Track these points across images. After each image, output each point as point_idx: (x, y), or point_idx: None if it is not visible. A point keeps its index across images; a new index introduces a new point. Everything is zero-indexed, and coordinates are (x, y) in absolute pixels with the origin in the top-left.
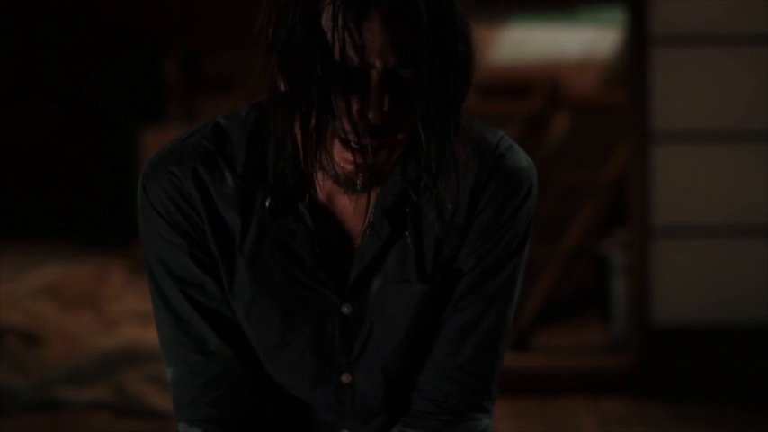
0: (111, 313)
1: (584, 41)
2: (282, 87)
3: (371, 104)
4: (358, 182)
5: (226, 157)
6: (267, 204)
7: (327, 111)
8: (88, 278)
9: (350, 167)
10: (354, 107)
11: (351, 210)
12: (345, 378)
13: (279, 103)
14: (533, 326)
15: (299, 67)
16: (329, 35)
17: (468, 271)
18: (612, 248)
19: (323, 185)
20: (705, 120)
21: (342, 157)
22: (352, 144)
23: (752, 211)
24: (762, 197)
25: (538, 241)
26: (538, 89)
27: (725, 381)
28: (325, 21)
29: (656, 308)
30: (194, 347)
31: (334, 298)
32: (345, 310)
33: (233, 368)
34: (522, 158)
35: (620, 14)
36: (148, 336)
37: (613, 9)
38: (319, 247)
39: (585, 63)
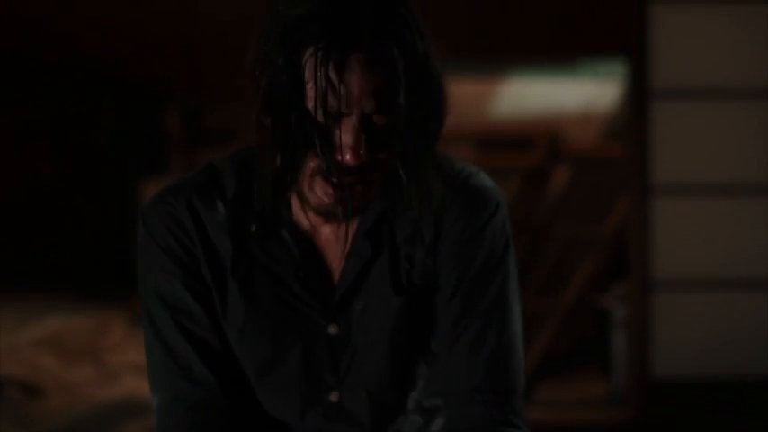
0: (112, 365)
1: (584, 95)
2: (266, 123)
3: (348, 148)
4: (339, 213)
5: (217, 188)
6: (253, 230)
7: (307, 150)
8: (89, 330)
9: (329, 200)
10: (332, 149)
11: (333, 233)
12: (334, 397)
13: (262, 137)
14: (533, 379)
15: (281, 111)
16: (310, 84)
17: (450, 292)
18: (613, 301)
19: (306, 211)
20: (705, 173)
21: (322, 191)
22: (332, 181)
23: (752, 265)
24: (762, 251)
25: (538, 294)
26: (538, 142)
27: None
28: (308, 70)
29: (656, 361)
30: (181, 374)
31: (320, 319)
32: (332, 330)
33: (215, 395)
34: (486, 181)
35: (619, 68)
36: (148, 388)
37: (613, 62)
38: (303, 271)
39: (585, 116)
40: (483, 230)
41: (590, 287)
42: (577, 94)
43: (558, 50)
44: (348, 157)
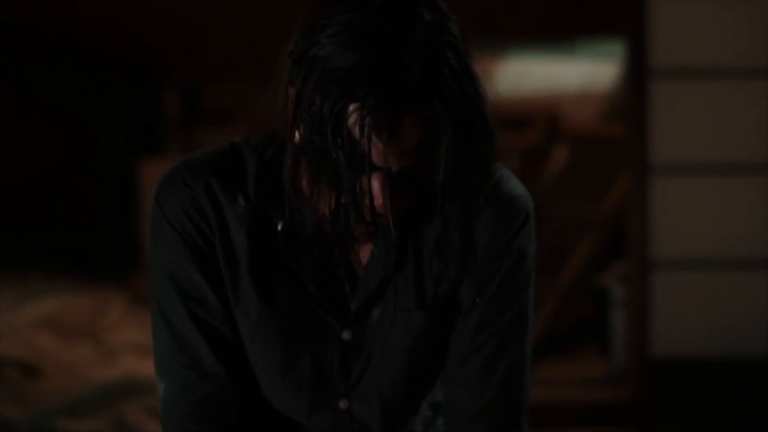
0: (111, 345)
1: (583, 74)
2: (301, 144)
3: (384, 198)
4: (370, 237)
5: (238, 177)
6: (279, 228)
7: (346, 195)
8: (88, 310)
9: (361, 232)
10: (367, 197)
11: (360, 229)
12: (343, 404)
13: (297, 162)
14: (532, 358)
15: (322, 157)
16: (354, 135)
17: (470, 303)
18: (612, 281)
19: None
20: (704, 152)
21: (345, 230)
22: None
23: (751, 244)
24: (761, 230)
25: (537, 274)
26: (537, 122)
27: (724, 413)
28: (352, 123)
29: (654, 340)
30: (190, 364)
31: (335, 324)
32: (346, 336)
33: (225, 389)
34: (517, 187)
35: (618, 47)
36: (148, 367)
37: (612, 42)
38: (324, 275)
39: (584, 96)
40: (510, 243)
41: (589, 267)
42: (576, 73)
43: (557, 30)
44: (381, 209)
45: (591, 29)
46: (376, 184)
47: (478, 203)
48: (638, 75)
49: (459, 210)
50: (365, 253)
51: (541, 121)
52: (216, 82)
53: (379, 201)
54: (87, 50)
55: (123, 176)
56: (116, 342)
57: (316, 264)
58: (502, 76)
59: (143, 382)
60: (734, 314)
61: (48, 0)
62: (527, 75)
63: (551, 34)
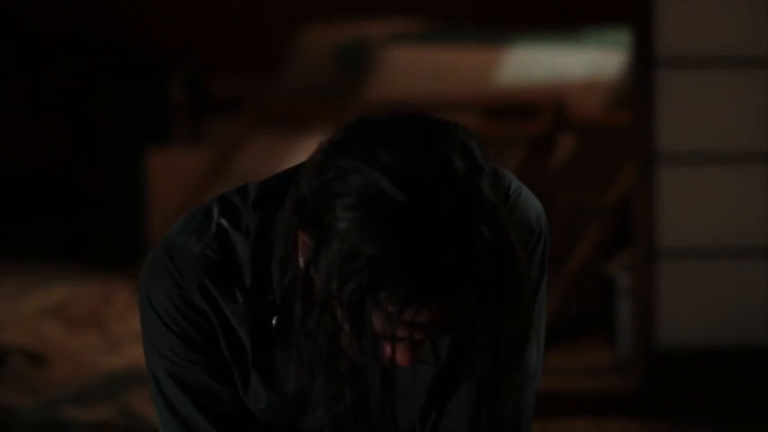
0: (117, 334)
1: (589, 63)
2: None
3: (409, 353)
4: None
5: (232, 270)
6: (274, 323)
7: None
8: (94, 299)
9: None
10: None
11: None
12: None
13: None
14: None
15: (334, 337)
16: (374, 325)
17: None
18: (617, 270)
19: None
20: (711, 141)
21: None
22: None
23: (757, 233)
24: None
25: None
26: (543, 111)
27: (730, 402)
28: (376, 318)
29: (660, 329)
30: None
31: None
32: None
33: None
34: (530, 207)
35: (624, 36)
36: None
37: (618, 31)
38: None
39: (590, 85)
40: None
41: (595, 256)
42: (582, 62)
43: (563, 19)
44: (400, 360)
45: (597, 17)
46: (396, 353)
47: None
48: (643, 64)
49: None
50: None
51: (547, 110)
52: (222, 70)
53: (399, 360)
54: (91, 40)
55: (129, 165)
56: (122, 331)
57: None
58: (507, 65)
59: None
60: (740, 303)
61: None
62: (533, 64)
63: (557, 23)
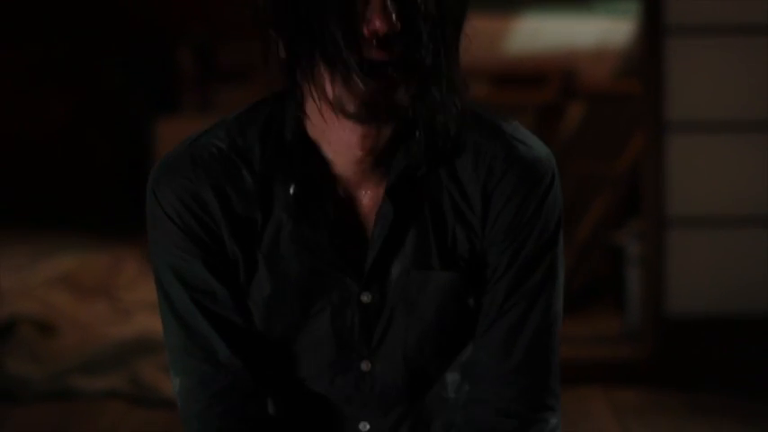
0: (125, 303)
1: (599, 31)
2: (283, 54)
3: (378, 14)
4: (370, 111)
5: (240, 153)
6: (291, 191)
7: (332, 43)
8: (102, 268)
9: (368, 97)
10: (358, 23)
11: (370, 200)
12: (365, 366)
13: (286, 65)
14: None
15: (292, 10)
16: None
17: (502, 271)
18: (627, 238)
19: (343, 174)
20: (721, 110)
21: (358, 93)
22: (359, 70)
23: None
24: None
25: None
26: (552, 79)
27: (739, 371)
28: None
29: (670, 298)
30: (204, 357)
31: (353, 286)
32: (365, 298)
33: (243, 380)
34: (539, 149)
35: (634, 4)
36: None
37: None
38: (339, 237)
39: (600, 53)
40: (539, 209)
41: (604, 224)
42: (592, 30)
43: None
44: (378, 23)
45: None
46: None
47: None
48: (653, 31)
49: (443, 45)
50: (374, 215)
51: (556, 78)
52: (231, 39)
53: (377, 22)
54: (98, 8)
55: (137, 134)
56: (131, 300)
57: (331, 226)
58: (517, 33)
59: (158, 339)
60: (750, 272)
61: None
62: (542, 32)
63: None
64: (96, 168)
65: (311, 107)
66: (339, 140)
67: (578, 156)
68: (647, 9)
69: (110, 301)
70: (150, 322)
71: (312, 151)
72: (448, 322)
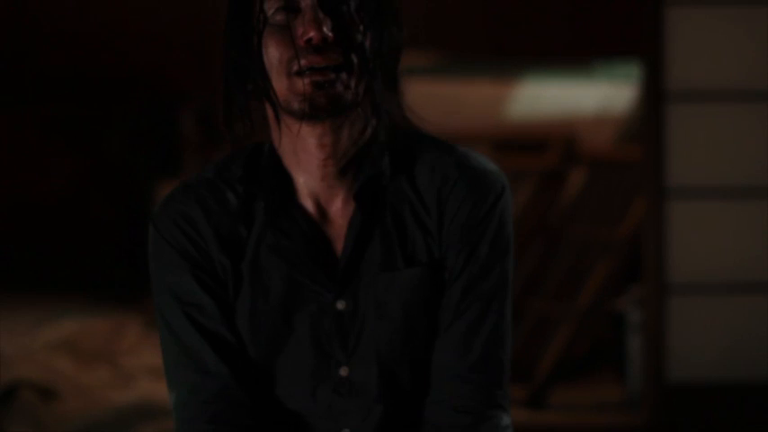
0: (127, 368)
1: (600, 97)
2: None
3: (310, 25)
4: (324, 104)
5: (225, 180)
6: (263, 205)
7: (276, 44)
8: (104, 333)
9: (309, 90)
10: (296, 33)
11: (336, 210)
12: (344, 371)
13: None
14: (549, 383)
15: (237, 22)
16: None
17: (458, 272)
18: (628, 305)
19: (312, 188)
20: (721, 176)
21: (299, 86)
22: (303, 68)
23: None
24: None
25: (553, 298)
26: (554, 144)
27: None
28: None
29: (671, 365)
30: (194, 368)
31: (328, 295)
32: (340, 306)
33: (230, 387)
34: (490, 164)
35: (635, 70)
36: (164, 391)
37: (628, 65)
38: (313, 247)
39: (601, 119)
40: (490, 213)
41: (605, 291)
42: (593, 96)
43: (574, 53)
44: (312, 35)
45: (608, 51)
46: (303, 17)
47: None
48: (653, 97)
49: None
50: (344, 225)
51: (558, 144)
52: None
53: (309, 22)
54: (102, 73)
55: (140, 198)
56: (133, 365)
57: (304, 237)
58: (518, 99)
59: (160, 405)
60: (751, 338)
61: (63, 24)
62: (543, 98)
63: (568, 57)
64: (97, 232)
65: (277, 134)
66: (303, 150)
67: (579, 222)
68: (647, 75)
69: (111, 367)
70: (152, 388)
71: (283, 171)
72: (416, 322)
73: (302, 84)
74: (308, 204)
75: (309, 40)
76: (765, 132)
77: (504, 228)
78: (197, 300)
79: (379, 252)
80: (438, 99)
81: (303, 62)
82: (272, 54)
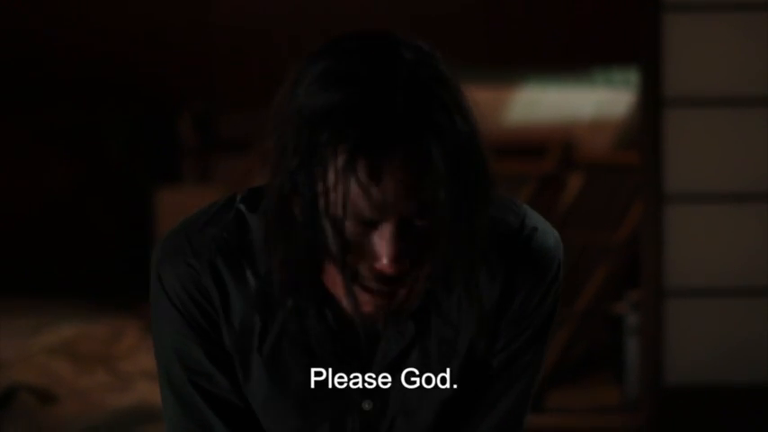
0: (125, 372)
1: (598, 102)
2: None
3: (387, 257)
4: (380, 320)
5: (245, 252)
6: (289, 305)
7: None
8: (102, 337)
9: (369, 309)
10: (367, 257)
11: (372, 306)
12: None
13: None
14: (546, 386)
15: (298, 220)
16: (336, 190)
17: (495, 360)
18: (625, 309)
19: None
20: (718, 181)
21: (360, 299)
22: (371, 288)
23: (766, 272)
24: None
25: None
26: (552, 149)
27: None
28: (333, 173)
29: (668, 368)
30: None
31: (355, 395)
32: (366, 406)
33: None
34: (548, 237)
35: (633, 76)
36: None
37: (627, 71)
38: (340, 344)
39: (599, 124)
40: (543, 299)
41: (603, 295)
42: (591, 101)
43: (572, 59)
44: (387, 267)
45: (606, 57)
46: (380, 239)
47: (492, 258)
48: (651, 103)
49: (464, 261)
50: (381, 323)
51: (556, 149)
52: (231, 109)
53: (385, 261)
54: (101, 80)
55: (138, 205)
56: (130, 369)
57: (332, 336)
58: (516, 104)
59: (158, 408)
60: (748, 342)
61: (61, 30)
62: (542, 103)
63: (566, 62)
64: (97, 239)
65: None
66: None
67: (578, 226)
68: (645, 81)
69: (109, 370)
70: (149, 391)
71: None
72: (447, 423)
73: (363, 300)
74: (340, 297)
75: (381, 270)
76: (763, 138)
77: (551, 308)
78: (206, 370)
79: (417, 360)
80: None
81: (366, 283)
82: (331, 242)
